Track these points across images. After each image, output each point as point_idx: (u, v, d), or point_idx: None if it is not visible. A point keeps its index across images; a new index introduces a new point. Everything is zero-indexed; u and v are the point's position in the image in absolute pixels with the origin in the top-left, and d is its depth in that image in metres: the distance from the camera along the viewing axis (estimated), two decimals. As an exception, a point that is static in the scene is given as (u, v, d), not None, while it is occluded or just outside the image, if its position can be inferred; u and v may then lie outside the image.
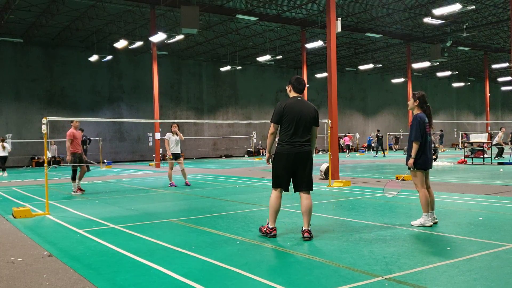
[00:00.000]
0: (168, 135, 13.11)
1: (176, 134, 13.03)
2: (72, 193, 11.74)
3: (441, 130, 32.78)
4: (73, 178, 11.79)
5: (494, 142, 22.17)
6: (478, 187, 10.99)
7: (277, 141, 5.89)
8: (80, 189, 11.88)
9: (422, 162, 6.27)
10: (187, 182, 13.39)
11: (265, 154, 6.13)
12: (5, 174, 20.40)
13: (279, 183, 5.68)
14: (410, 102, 6.53)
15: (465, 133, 35.65)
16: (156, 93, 24.95)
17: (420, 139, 6.22)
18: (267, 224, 5.83)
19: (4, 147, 20.12)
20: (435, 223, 6.33)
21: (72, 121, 11.72)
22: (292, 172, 5.66)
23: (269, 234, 5.76)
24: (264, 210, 7.97)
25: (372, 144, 32.48)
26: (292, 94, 5.84)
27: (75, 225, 7.07)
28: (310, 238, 5.60)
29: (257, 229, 6.25)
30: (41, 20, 25.42)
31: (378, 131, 31.86)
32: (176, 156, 13.12)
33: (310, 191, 5.73)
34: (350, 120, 45.22)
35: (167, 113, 34.63)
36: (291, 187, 5.78)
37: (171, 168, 13.31)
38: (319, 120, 6.10)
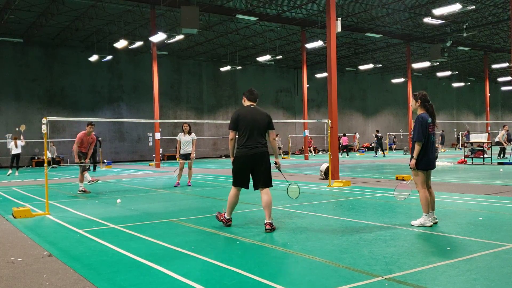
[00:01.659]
0: (180, 135, 13.10)
1: (188, 133, 13.00)
2: (78, 192, 11.81)
3: (442, 131, 32.72)
4: (83, 171, 11.76)
5: (496, 139, 22.21)
6: (478, 187, 10.98)
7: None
8: (85, 190, 11.88)
9: (424, 163, 6.26)
10: (189, 183, 13.39)
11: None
12: (16, 173, 20.62)
13: (238, 182, 6.34)
14: (412, 103, 6.48)
15: (465, 132, 35.63)
16: (156, 93, 24.94)
17: (422, 139, 6.20)
18: (224, 214, 6.55)
19: (17, 145, 20.14)
20: (435, 223, 6.33)
21: (88, 124, 11.61)
22: (250, 172, 6.29)
23: (225, 223, 6.52)
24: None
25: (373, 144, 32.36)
26: (247, 103, 6.48)
27: (75, 225, 7.07)
28: (272, 230, 6.13)
29: (257, 229, 6.29)
30: (41, 20, 25.41)
31: (378, 131, 31.81)
32: (186, 157, 13.10)
33: (270, 187, 6.32)
34: (350, 120, 45.20)
35: (167, 113, 34.62)
36: (251, 184, 6.38)
37: (181, 169, 13.26)
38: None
